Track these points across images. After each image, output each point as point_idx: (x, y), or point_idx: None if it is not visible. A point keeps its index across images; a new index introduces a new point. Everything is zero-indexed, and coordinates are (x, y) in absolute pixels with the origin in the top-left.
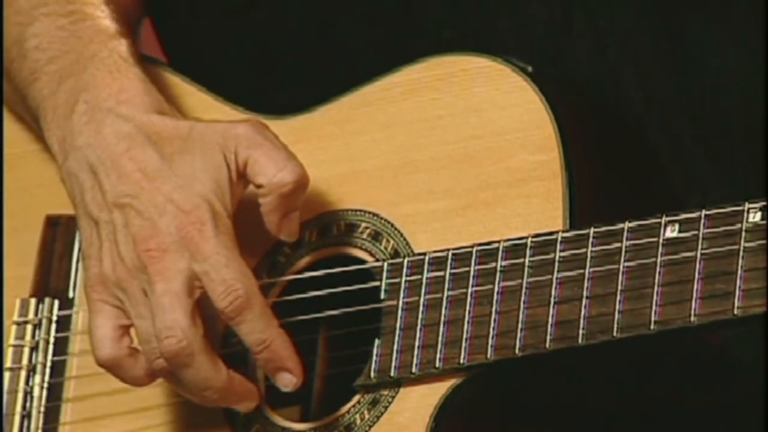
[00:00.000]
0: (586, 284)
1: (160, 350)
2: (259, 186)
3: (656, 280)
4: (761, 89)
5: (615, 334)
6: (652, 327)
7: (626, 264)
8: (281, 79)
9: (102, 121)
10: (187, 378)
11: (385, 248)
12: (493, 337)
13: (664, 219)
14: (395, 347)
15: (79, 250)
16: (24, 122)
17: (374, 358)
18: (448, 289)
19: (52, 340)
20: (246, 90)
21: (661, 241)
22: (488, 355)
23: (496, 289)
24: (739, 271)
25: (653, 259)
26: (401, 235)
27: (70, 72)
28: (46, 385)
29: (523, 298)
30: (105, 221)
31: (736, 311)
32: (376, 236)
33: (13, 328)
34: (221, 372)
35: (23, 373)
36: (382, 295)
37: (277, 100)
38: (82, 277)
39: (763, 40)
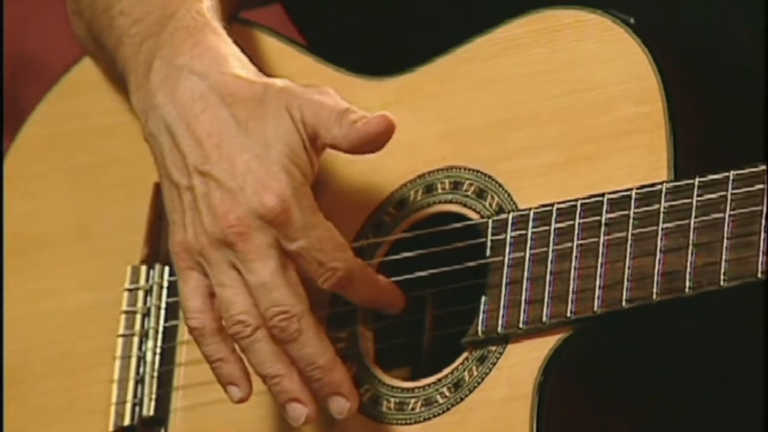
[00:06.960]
0: (691, 234)
1: (268, 326)
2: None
3: (762, 228)
4: None
5: (722, 283)
6: (759, 275)
7: (732, 212)
8: (385, 42)
9: (176, 79)
10: (293, 353)
11: (490, 205)
12: (599, 290)
13: None
14: (502, 303)
15: None
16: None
17: (481, 314)
18: (554, 244)
19: (163, 305)
20: (353, 52)
21: (766, 189)
22: (595, 308)
23: (601, 241)
24: None
25: (759, 207)
26: (505, 191)
27: (150, 33)
28: (158, 350)
29: (629, 250)
30: (185, 187)
31: None
32: (480, 193)
33: (125, 294)
34: (328, 349)
35: (136, 339)
36: (488, 252)
37: (381, 61)
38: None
39: None
